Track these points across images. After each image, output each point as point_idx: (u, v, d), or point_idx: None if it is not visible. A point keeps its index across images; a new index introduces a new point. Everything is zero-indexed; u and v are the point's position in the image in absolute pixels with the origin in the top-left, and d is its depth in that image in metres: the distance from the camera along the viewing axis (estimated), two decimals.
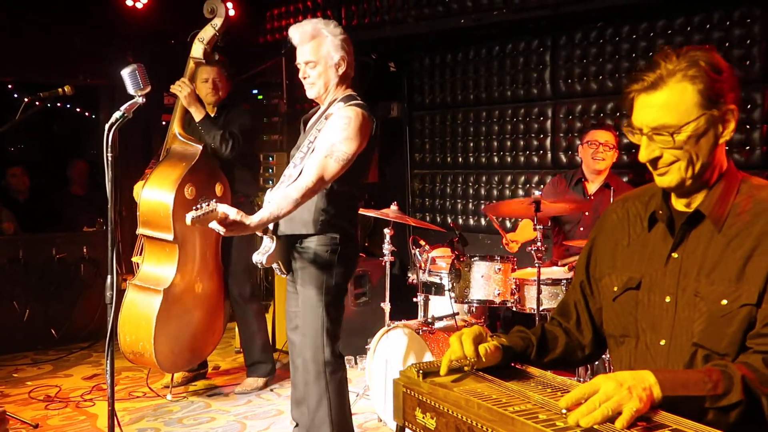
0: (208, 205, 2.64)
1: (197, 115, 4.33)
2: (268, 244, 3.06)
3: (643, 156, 1.62)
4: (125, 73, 2.77)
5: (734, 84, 1.61)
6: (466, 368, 1.70)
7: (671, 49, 1.61)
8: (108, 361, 2.69)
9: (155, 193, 4.17)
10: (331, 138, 2.97)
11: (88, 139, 7.21)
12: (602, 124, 4.60)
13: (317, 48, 3.06)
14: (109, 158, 2.68)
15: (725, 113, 1.58)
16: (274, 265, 3.14)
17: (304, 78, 3.11)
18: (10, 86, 6.98)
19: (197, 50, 4.36)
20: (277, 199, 2.89)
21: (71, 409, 4.37)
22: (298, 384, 3.34)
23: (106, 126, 2.68)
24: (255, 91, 6.59)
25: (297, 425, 3.43)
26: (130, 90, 2.78)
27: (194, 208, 2.62)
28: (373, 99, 6.17)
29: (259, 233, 3.05)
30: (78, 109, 7.62)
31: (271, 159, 6.25)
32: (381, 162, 6.40)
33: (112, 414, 2.71)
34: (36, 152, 7.39)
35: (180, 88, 4.29)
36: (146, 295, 4.20)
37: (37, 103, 4.03)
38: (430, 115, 6.10)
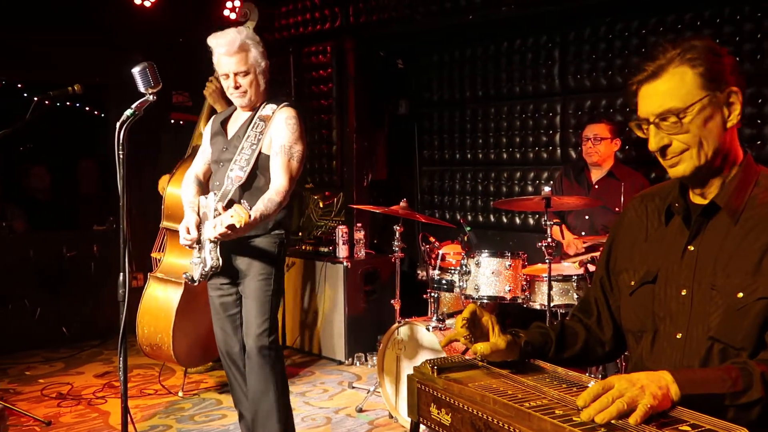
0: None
1: (220, 109, 4.48)
2: (214, 248, 3.08)
3: (652, 145, 1.61)
4: (136, 71, 2.77)
5: (734, 67, 1.60)
6: (480, 364, 1.70)
7: (667, 40, 1.62)
8: (121, 359, 2.70)
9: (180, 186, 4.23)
10: (284, 140, 3.16)
11: (98, 138, 7.23)
12: (594, 118, 4.65)
13: (246, 57, 3.20)
14: (121, 156, 2.68)
15: (729, 95, 1.58)
16: (186, 275, 3.16)
17: (236, 87, 3.21)
18: (20, 85, 7.00)
19: None
20: (262, 202, 3.04)
21: (83, 407, 4.40)
22: (236, 387, 3.41)
23: (117, 124, 2.68)
24: None
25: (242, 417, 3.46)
26: (141, 88, 2.78)
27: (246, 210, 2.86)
28: (381, 96, 6.20)
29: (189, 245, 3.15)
30: (87, 108, 7.64)
31: None
32: (389, 159, 6.40)
33: (125, 411, 2.72)
34: (45, 152, 7.42)
35: (207, 87, 4.50)
36: (167, 287, 4.26)
37: (46, 102, 4.04)
38: (439, 112, 6.10)
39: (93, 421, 4.15)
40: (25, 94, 6.96)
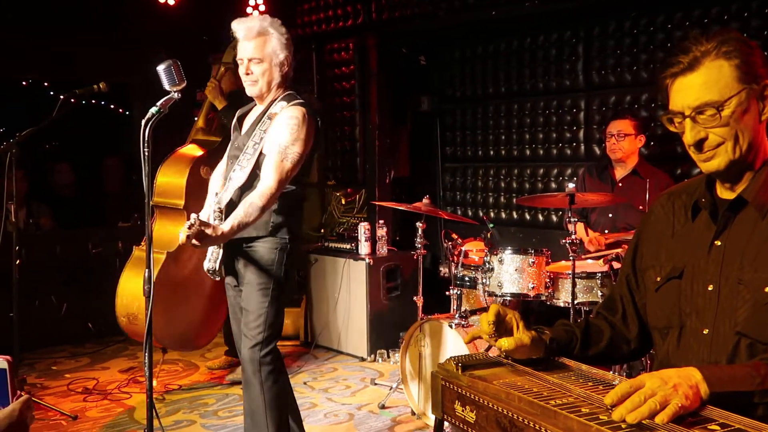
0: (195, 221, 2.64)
1: (219, 105, 4.68)
2: (216, 250, 3.01)
3: (689, 138, 1.59)
4: (161, 68, 2.78)
5: (766, 60, 1.59)
6: (504, 361, 1.70)
7: (699, 33, 1.60)
8: (146, 354, 2.72)
9: (172, 168, 4.52)
10: (281, 140, 2.97)
11: (122, 136, 7.31)
12: (618, 114, 4.59)
13: (263, 45, 3.04)
14: (146, 153, 2.70)
15: (763, 88, 1.57)
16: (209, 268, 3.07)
17: (247, 74, 3.07)
18: (46, 84, 7.10)
19: (227, 56, 4.79)
20: (243, 207, 2.85)
21: (109, 401, 4.44)
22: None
23: (143, 122, 2.69)
24: None
25: None
26: (166, 86, 2.79)
27: (187, 226, 2.62)
28: (403, 93, 6.19)
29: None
30: (112, 106, 7.72)
31: None
32: (412, 156, 6.39)
33: (150, 406, 2.75)
34: (71, 150, 7.51)
35: (207, 86, 4.74)
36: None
37: (72, 100, 4.09)
38: (461, 108, 6.08)
39: (118, 416, 4.19)
40: (52, 93, 7.06)
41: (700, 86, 1.55)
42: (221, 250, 3.01)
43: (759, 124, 1.59)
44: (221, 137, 4.73)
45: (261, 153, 3.01)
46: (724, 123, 1.55)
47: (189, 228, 2.61)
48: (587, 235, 4.36)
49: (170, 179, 4.50)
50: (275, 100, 3.10)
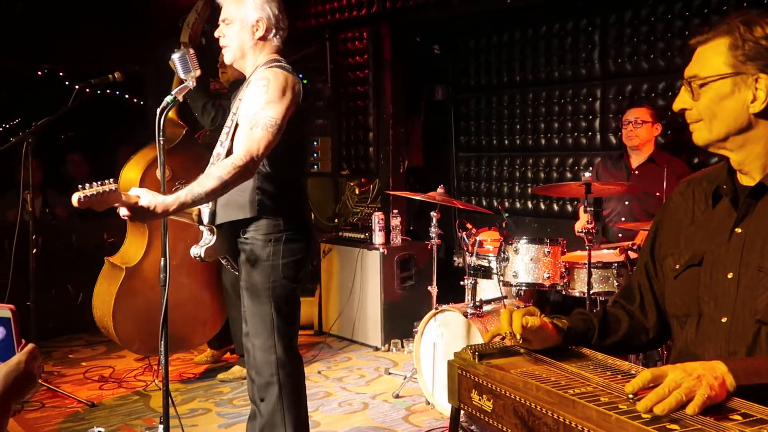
0: (102, 184, 2.35)
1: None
2: (208, 236, 2.80)
3: (675, 104, 1.64)
4: (176, 57, 2.77)
5: None
6: (521, 350, 1.68)
7: (740, 12, 1.60)
8: (162, 342, 2.73)
9: (129, 173, 4.30)
10: (250, 106, 2.67)
11: (137, 126, 7.33)
12: (635, 102, 4.58)
13: (235, 5, 2.82)
14: (161, 142, 2.69)
15: (756, 80, 1.53)
16: (224, 262, 2.92)
17: (220, 38, 2.87)
18: (61, 74, 7.11)
19: (183, 35, 4.51)
20: (198, 181, 2.54)
21: (125, 390, 4.47)
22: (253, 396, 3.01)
23: (158, 111, 2.68)
24: (300, 76, 6.59)
25: None
26: (181, 74, 2.77)
27: (80, 187, 2.35)
28: (417, 82, 6.17)
29: (198, 225, 2.81)
30: (127, 96, 7.74)
31: (315, 143, 6.28)
32: (426, 145, 6.37)
33: (166, 394, 2.76)
34: (87, 139, 7.53)
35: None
36: (114, 271, 4.35)
37: (87, 90, 4.10)
38: (476, 98, 6.04)
39: (134, 404, 4.22)
40: (67, 83, 7.08)
41: (700, 59, 1.60)
42: (213, 237, 2.78)
43: (746, 114, 1.55)
44: (184, 130, 4.47)
45: (237, 125, 2.74)
46: (698, 99, 1.58)
47: (81, 188, 2.33)
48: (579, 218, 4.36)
49: (125, 185, 4.14)
50: (256, 68, 2.84)
